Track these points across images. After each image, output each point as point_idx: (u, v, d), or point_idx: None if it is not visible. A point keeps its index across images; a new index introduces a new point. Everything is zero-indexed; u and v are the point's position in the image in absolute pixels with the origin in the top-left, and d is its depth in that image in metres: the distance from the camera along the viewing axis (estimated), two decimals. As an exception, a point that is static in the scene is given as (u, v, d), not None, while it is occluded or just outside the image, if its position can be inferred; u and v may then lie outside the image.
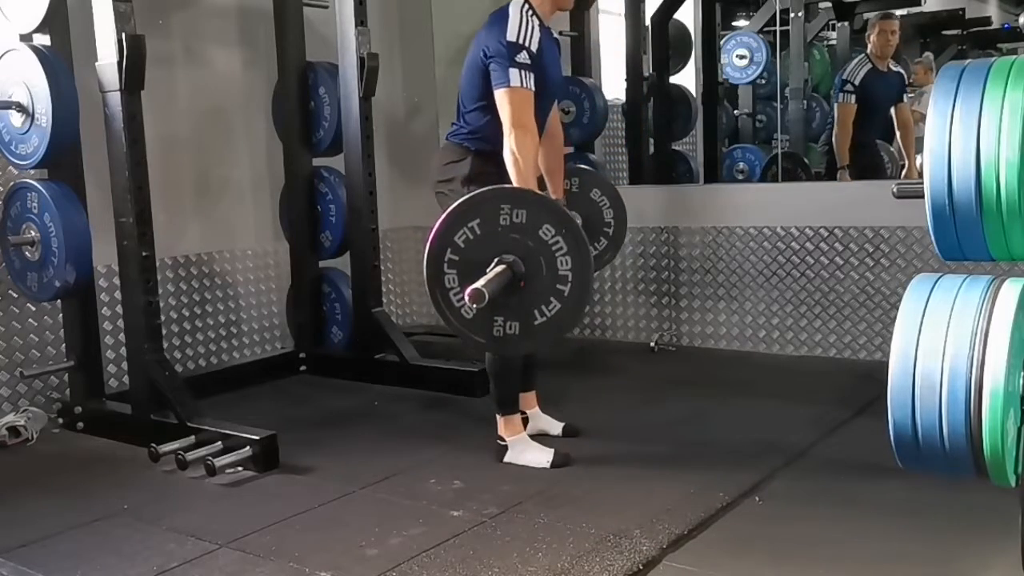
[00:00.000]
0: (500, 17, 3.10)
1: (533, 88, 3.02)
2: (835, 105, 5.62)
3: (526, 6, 3.10)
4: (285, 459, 3.23)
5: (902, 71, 5.56)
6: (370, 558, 2.45)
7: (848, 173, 5.40)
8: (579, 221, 3.63)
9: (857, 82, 5.38)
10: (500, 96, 3.02)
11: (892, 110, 5.52)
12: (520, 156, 2.95)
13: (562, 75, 3.28)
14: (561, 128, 3.57)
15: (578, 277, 2.55)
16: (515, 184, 2.96)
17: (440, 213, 3.18)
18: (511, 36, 3.03)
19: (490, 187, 2.83)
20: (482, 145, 3.18)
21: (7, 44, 3.52)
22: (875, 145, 5.69)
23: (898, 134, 5.65)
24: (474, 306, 2.50)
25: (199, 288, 4.50)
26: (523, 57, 3.01)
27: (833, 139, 5.62)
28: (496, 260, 2.57)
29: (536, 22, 3.09)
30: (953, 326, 1.83)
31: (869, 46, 5.45)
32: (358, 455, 3.33)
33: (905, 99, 5.59)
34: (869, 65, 5.39)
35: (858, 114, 5.41)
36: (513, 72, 2.99)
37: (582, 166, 4.17)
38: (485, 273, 2.58)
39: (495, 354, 2.85)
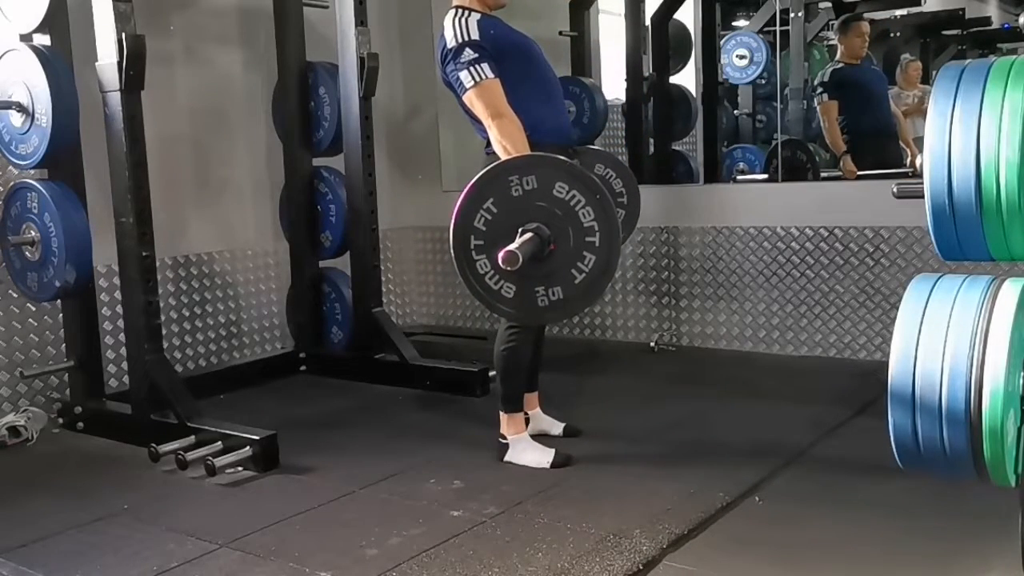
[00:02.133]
0: (440, 37, 3.09)
1: (491, 75, 2.96)
2: (817, 108, 5.71)
3: (457, 11, 3.07)
4: (285, 459, 3.23)
5: (876, 68, 5.64)
6: (370, 558, 2.46)
7: (850, 159, 5.43)
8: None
9: (827, 79, 5.51)
10: (466, 100, 3.01)
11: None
12: (509, 144, 2.92)
13: (539, 53, 3.21)
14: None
15: (604, 224, 2.52)
16: None
17: None
18: (449, 44, 3.01)
19: (494, 164, 2.80)
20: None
21: (7, 44, 3.53)
22: (892, 133, 5.73)
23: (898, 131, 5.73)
24: (510, 268, 2.47)
25: (199, 288, 4.50)
26: (467, 54, 2.97)
27: (825, 135, 5.67)
28: (520, 231, 2.55)
29: (475, 16, 3.03)
30: (953, 326, 1.83)
31: (839, 49, 5.56)
32: (358, 455, 3.33)
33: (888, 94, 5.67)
34: (838, 64, 5.53)
35: (853, 106, 5.47)
36: (463, 74, 2.97)
37: (582, 148, 4.12)
38: (511, 238, 2.56)
39: (549, 323, 2.77)
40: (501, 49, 3.03)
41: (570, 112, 5.41)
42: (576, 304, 2.60)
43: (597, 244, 2.55)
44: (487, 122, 2.97)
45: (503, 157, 2.93)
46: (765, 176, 6.38)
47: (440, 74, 3.13)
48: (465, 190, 2.65)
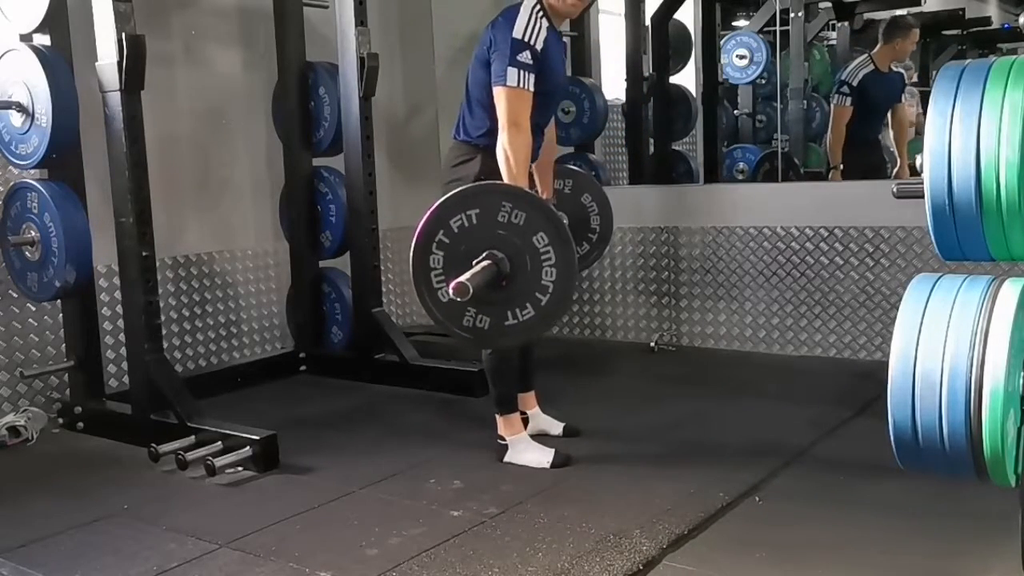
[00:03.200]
0: (510, 15, 3.08)
1: (532, 89, 3.01)
2: (831, 105, 5.61)
3: (538, 6, 3.08)
4: (285, 459, 3.23)
5: (902, 71, 5.54)
6: (370, 558, 2.46)
7: (840, 173, 5.39)
8: (565, 221, 3.67)
9: (855, 83, 5.33)
10: (497, 93, 3.02)
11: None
12: (512, 155, 2.95)
13: (566, 77, 3.26)
14: (555, 128, 3.55)
15: (558, 290, 2.56)
16: (504, 180, 2.95)
17: None
18: (517, 33, 3.02)
19: (497, 182, 2.81)
20: (491, 142, 3.13)
21: (7, 44, 3.53)
22: (878, 143, 5.68)
23: (891, 132, 5.65)
24: (460, 299, 2.49)
25: (199, 288, 4.50)
26: (525, 56, 3.00)
27: (826, 139, 5.62)
28: (485, 254, 2.56)
29: (545, 23, 3.07)
30: (953, 326, 1.83)
31: (879, 47, 5.34)
32: (358, 455, 3.33)
33: (904, 99, 5.58)
34: (871, 67, 5.33)
35: (857, 114, 5.39)
36: (512, 71, 2.98)
37: (576, 168, 4.16)
38: (470, 263, 2.57)
39: (455, 339, 2.80)
40: (542, 70, 3.07)
41: (570, 112, 5.41)
42: (491, 341, 2.64)
43: (543, 303, 2.58)
44: (503, 124, 2.99)
45: (503, 163, 2.96)
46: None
47: (486, 36, 3.12)
48: (459, 188, 2.65)
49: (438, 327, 2.64)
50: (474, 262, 2.56)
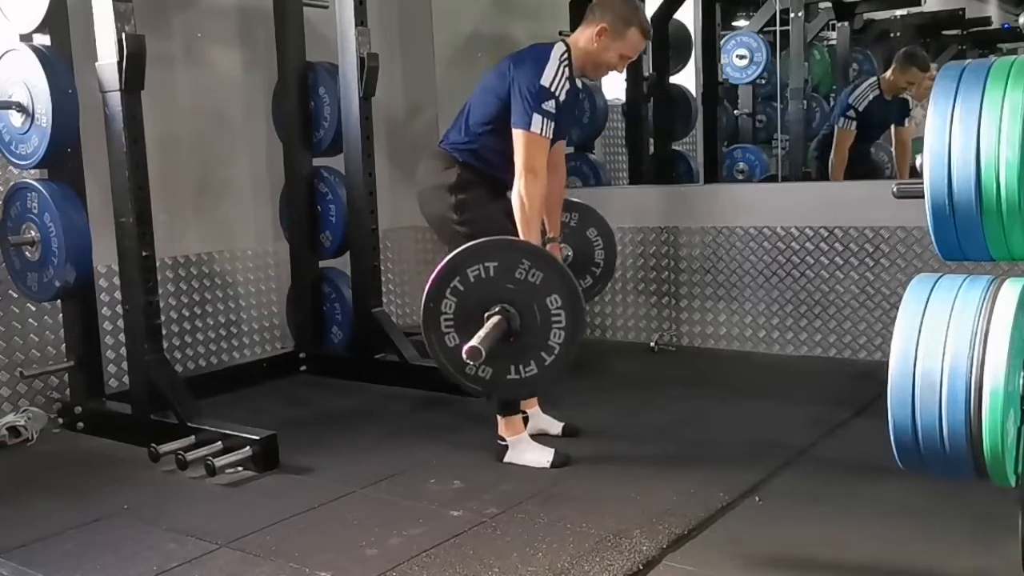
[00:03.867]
0: (540, 56, 3.13)
1: (551, 136, 3.08)
2: (835, 127, 5.66)
3: (565, 55, 3.15)
4: (285, 459, 3.23)
5: (907, 98, 5.57)
6: (370, 558, 2.45)
7: None
8: (570, 255, 3.75)
9: (861, 109, 5.43)
10: (518, 136, 3.07)
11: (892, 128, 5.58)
12: (527, 201, 3.02)
13: (575, 121, 3.32)
14: (564, 166, 3.63)
15: (563, 353, 2.60)
16: (519, 225, 3.04)
17: (423, 215, 3.37)
18: (545, 81, 3.08)
19: (517, 239, 2.85)
20: (471, 160, 3.25)
21: (7, 44, 3.52)
22: (870, 153, 5.75)
23: (894, 152, 5.70)
24: (473, 363, 2.52)
25: (199, 288, 4.50)
26: (550, 105, 3.07)
27: (830, 161, 5.64)
28: (498, 308, 2.59)
29: (567, 72, 3.14)
30: (953, 326, 1.83)
31: (887, 75, 5.42)
32: (358, 455, 3.33)
33: (906, 123, 5.61)
34: (876, 92, 5.42)
35: (859, 135, 5.49)
36: (536, 118, 3.04)
37: (582, 202, 4.24)
38: (482, 314, 2.60)
39: (457, 383, 2.84)
40: (558, 119, 3.14)
41: None
42: (491, 391, 2.67)
43: (546, 363, 2.61)
44: (520, 169, 3.05)
45: (519, 209, 3.03)
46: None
47: (506, 71, 3.17)
48: (481, 240, 2.68)
49: (440, 370, 2.65)
50: (486, 315, 2.59)
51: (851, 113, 5.45)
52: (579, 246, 3.81)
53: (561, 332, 2.57)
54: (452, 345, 2.69)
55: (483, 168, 3.25)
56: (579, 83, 3.35)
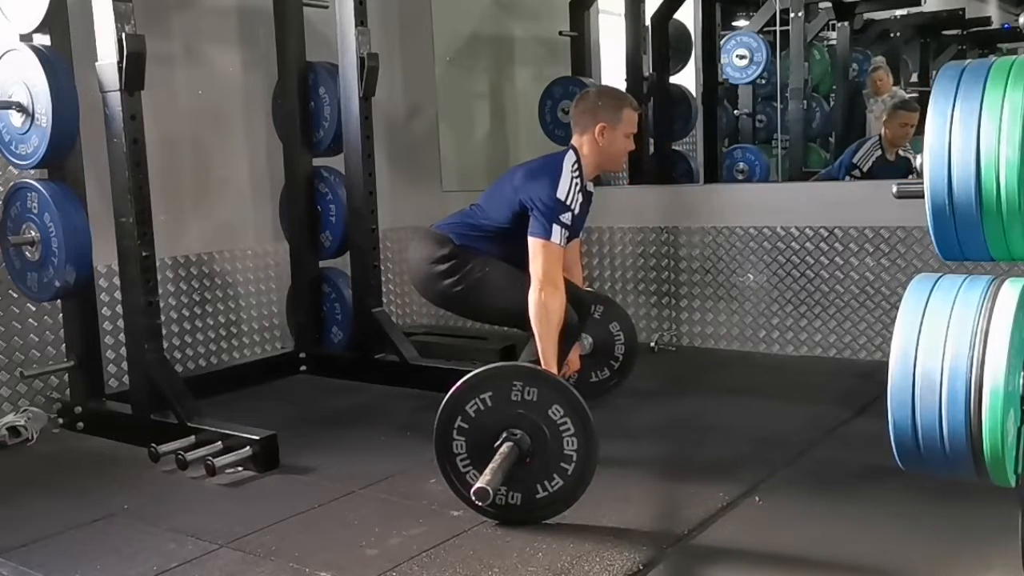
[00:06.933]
0: (552, 168, 3.22)
1: (565, 246, 3.17)
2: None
3: (576, 165, 3.24)
4: (285, 459, 3.23)
5: (909, 157, 5.60)
6: (370, 558, 2.46)
7: None
8: (590, 343, 3.82)
9: (865, 169, 5.50)
10: (535, 245, 3.14)
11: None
12: (550, 313, 3.08)
13: (585, 218, 3.45)
14: (580, 263, 3.77)
15: (582, 457, 2.59)
16: (538, 337, 3.09)
17: (425, 299, 3.52)
18: (560, 195, 3.16)
19: (506, 364, 2.89)
20: (469, 244, 3.36)
21: (7, 44, 3.52)
22: None
23: None
24: (480, 503, 2.52)
25: (199, 288, 4.50)
26: (567, 217, 3.16)
27: None
28: (504, 435, 2.60)
29: (580, 183, 3.23)
30: (953, 326, 1.82)
31: (883, 131, 5.51)
32: (358, 455, 3.33)
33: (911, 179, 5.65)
34: (879, 152, 5.49)
35: None
36: (555, 229, 3.13)
37: (608, 297, 4.37)
38: (491, 444, 2.59)
39: (499, 520, 2.84)
40: (572, 226, 3.25)
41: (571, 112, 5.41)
42: (527, 515, 2.64)
43: (570, 472, 2.60)
44: (539, 282, 3.11)
45: (539, 322, 3.09)
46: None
47: (520, 181, 3.26)
48: (469, 375, 2.67)
49: (473, 509, 2.66)
50: (495, 445, 2.59)
51: (856, 173, 5.56)
52: (600, 338, 3.86)
53: (573, 439, 2.58)
54: (457, 452, 2.69)
55: (479, 254, 3.35)
56: (590, 187, 3.44)
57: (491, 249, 3.35)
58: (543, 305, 3.08)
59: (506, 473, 2.52)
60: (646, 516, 2.62)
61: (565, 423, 2.58)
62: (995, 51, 7.51)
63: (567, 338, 3.25)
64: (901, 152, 5.52)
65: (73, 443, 3.63)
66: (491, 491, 2.46)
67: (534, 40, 6.42)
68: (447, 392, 2.69)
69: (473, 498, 2.49)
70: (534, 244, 3.14)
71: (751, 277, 4.57)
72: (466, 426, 2.65)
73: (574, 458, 2.58)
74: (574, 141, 3.35)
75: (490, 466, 2.50)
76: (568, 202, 3.17)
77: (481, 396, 2.64)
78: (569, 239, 3.25)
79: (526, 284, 3.14)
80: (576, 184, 3.21)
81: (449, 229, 3.41)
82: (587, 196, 3.37)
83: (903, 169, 5.54)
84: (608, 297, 4.32)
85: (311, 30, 4.56)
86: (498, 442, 2.59)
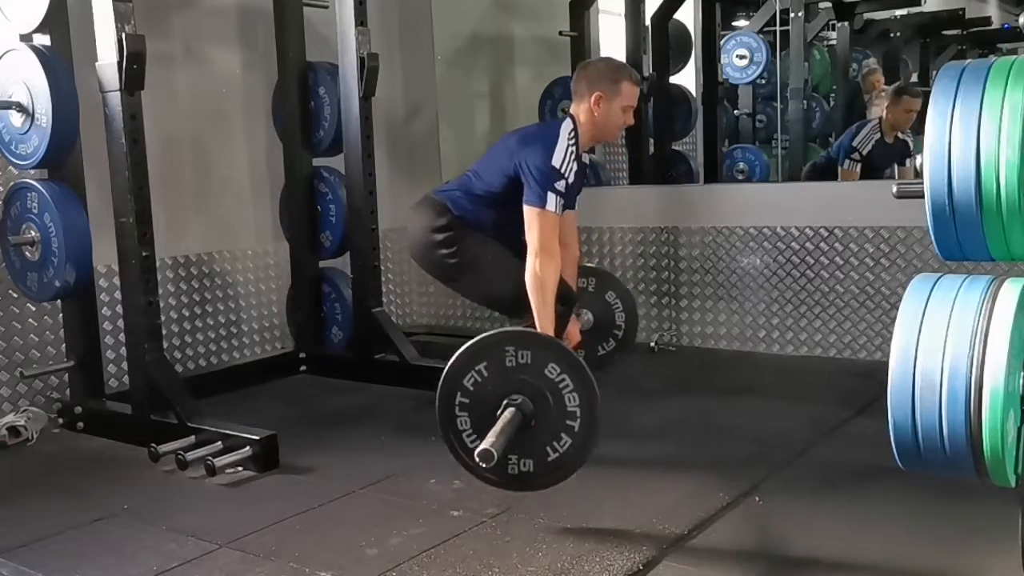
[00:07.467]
0: (548, 135, 3.20)
1: (560, 213, 3.15)
2: (840, 168, 5.71)
3: (572, 133, 3.21)
4: (285, 459, 3.23)
5: (908, 140, 5.62)
6: (370, 558, 2.46)
7: None
8: (590, 318, 3.80)
9: (865, 152, 5.52)
10: (531, 214, 3.12)
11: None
12: (544, 282, 3.07)
13: (580, 189, 3.44)
14: (577, 238, 3.71)
15: (586, 412, 2.57)
16: (534, 306, 3.08)
17: (421, 268, 3.51)
18: (556, 162, 3.14)
19: (495, 331, 2.84)
20: (466, 215, 3.35)
21: (7, 44, 3.52)
22: None
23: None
24: (484, 465, 2.48)
25: (199, 288, 4.50)
26: (561, 185, 3.13)
27: None
28: (505, 402, 2.58)
29: (576, 152, 3.20)
30: (953, 326, 1.82)
31: (884, 115, 5.54)
32: (358, 455, 3.33)
33: (908, 163, 5.67)
34: (879, 135, 5.52)
35: (860, 175, 5.58)
36: (550, 197, 3.11)
37: (599, 268, 4.31)
38: (494, 414, 2.57)
39: (511, 491, 2.81)
40: (568, 195, 3.23)
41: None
42: (542, 480, 2.62)
43: (576, 429, 2.58)
44: (535, 249, 3.10)
45: (535, 290, 3.08)
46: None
47: (515, 147, 3.24)
48: (461, 349, 2.65)
49: (488, 484, 2.65)
50: (497, 413, 2.57)
51: (856, 156, 5.58)
52: (599, 311, 3.85)
53: (574, 395, 2.57)
54: (462, 428, 2.68)
55: (475, 225, 3.35)
56: (586, 159, 3.43)
57: (486, 215, 3.33)
58: (535, 274, 3.07)
59: (509, 437, 2.49)
60: (646, 516, 2.62)
61: (563, 380, 2.55)
62: (995, 51, 7.51)
63: (563, 305, 3.24)
64: (900, 136, 5.56)
65: (73, 443, 3.63)
66: (495, 452, 2.42)
67: (534, 40, 6.42)
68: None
69: (477, 461, 2.46)
70: (530, 213, 3.12)
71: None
72: (467, 401, 2.63)
73: (578, 414, 2.56)
74: (572, 109, 3.33)
75: (492, 430, 2.48)
76: (562, 170, 3.14)
77: (477, 367, 2.61)
78: (564, 208, 3.22)
79: (518, 273, 3.14)
80: (572, 152, 3.17)
81: (446, 197, 3.40)
82: (582, 167, 3.35)
83: (900, 152, 5.60)
84: (597, 268, 4.26)
85: (311, 30, 4.56)
86: (499, 412, 2.57)
